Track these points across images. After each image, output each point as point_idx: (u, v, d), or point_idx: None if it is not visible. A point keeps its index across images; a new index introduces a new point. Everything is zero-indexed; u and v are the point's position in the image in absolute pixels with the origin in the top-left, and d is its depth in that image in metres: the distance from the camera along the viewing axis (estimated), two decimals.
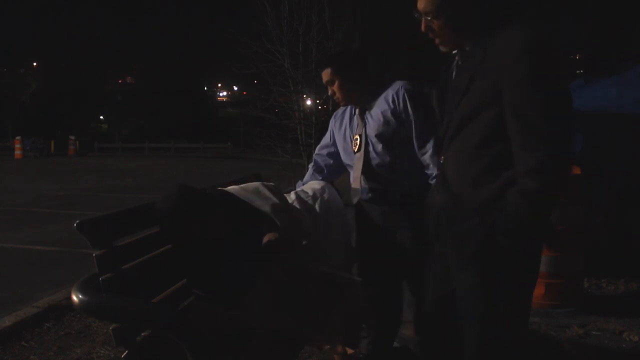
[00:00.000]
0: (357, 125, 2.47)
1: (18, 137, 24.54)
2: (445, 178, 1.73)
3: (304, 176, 2.83)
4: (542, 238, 1.61)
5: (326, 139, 2.76)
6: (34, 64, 50.44)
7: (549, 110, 1.44)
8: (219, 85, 72.72)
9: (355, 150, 2.45)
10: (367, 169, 2.42)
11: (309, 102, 9.75)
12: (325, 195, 2.42)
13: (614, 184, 4.20)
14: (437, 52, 1.76)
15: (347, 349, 2.39)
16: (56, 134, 31.67)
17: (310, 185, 2.52)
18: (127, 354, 1.58)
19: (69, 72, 44.79)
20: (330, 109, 9.28)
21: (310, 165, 2.79)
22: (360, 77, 2.41)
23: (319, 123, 9.09)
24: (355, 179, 2.46)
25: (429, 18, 1.62)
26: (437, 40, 1.67)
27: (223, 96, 74.04)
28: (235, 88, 68.22)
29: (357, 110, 2.48)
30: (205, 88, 61.70)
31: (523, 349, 1.76)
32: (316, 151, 2.79)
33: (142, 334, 1.67)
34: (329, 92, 2.47)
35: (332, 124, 2.69)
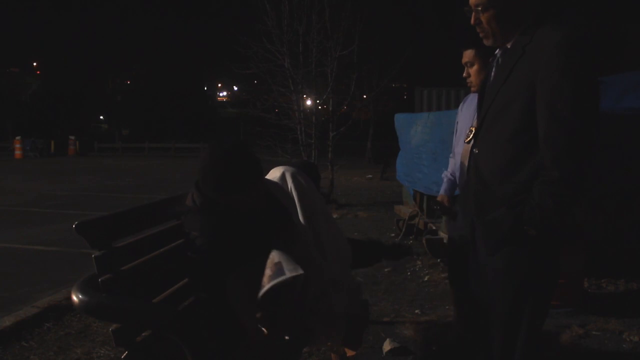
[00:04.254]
0: (476, 117, 2.45)
1: (18, 137, 24.56)
2: (477, 168, 1.79)
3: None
4: (566, 231, 1.66)
5: (455, 133, 2.71)
6: (34, 64, 50.47)
7: (576, 103, 1.49)
8: (219, 85, 72.77)
9: (467, 140, 2.38)
10: None
11: (309, 102, 9.76)
12: (289, 184, 2.22)
13: (614, 184, 4.19)
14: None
15: (348, 350, 2.39)
16: (56, 134, 31.67)
17: (272, 173, 2.27)
18: (127, 354, 1.58)
19: (69, 72, 44.80)
20: (331, 109, 9.32)
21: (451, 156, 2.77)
22: None
23: (319, 123, 9.11)
24: (462, 172, 2.40)
25: (479, 9, 1.68)
26: (483, 34, 1.74)
27: (223, 96, 74.08)
28: (235, 88, 68.24)
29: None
30: (206, 88, 61.71)
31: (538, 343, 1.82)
32: (453, 149, 2.74)
33: (142, 334, 1.67)
34: (464, 74, 2.40)
35: (460, 107, 2.65)
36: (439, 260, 4.72)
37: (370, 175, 14.22)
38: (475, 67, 2.37)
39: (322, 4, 8.56)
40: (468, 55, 2.39)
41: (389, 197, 9.58)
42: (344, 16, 8.57)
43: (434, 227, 5.02)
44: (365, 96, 13.39)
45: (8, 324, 3.28)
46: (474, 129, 2.31)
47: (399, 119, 6.21)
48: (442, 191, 2.81)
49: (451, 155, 2.77)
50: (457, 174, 2.56)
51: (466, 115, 2.56)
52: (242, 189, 1.71)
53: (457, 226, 2.52)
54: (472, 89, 2.46)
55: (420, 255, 5.03)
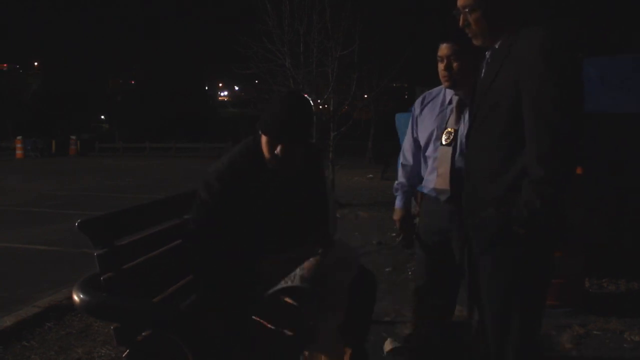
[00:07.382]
0: (450, 117, 2.24)
1: (19, 137, 24.58)
2: (468, 169, 1.80)
3: None
4: (556, 229, 1.65)
5: (409, 138, 2.45)
6: (35, 63, 50.52)
7: (561, 103, 1.51)
8: (220, 85, 72.81)
9: (444, 142, 2.21)
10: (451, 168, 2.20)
11: None
12: None
13: (614, 184, 4.19)
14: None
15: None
16: (57, 134, 31.68)
17: None
18: (127, 353, 1.58)
19: (70, 72, 44.82)
20: (332, 109, 9.31)
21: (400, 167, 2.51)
22: (474, 67, 2.09)
23: (320, 123, 9.11)
24: (442, 175, 2.21)
25: (467, 11, 1.71)
26: (472, 35, 1.75)
27: (224, 96, 74.12)
28: (236, 88, 68.33)
29: (455, 101, 2.24)
30: (206, 88, 61.72)
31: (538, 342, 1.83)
32: (405, 155, 2.48)
33: (143, 334, 1.67)
34: (441, 67, 2.19)
35: (419, 106, 2.41)
36: None
37: (371, 175, 14.22)
38: (456, 63, 2.17)
39: (322, 4, 8.56)
40: (448, 48, 2.19)
41: (389, 197, 9.51)
42: (345, 16, 8.57)
43: None
44: (366, 96, 13.40)
45: (9, 324, 3.28)
46: (452, 130, 2.20)
47: (400, 118, 6.20)
48: (398, 203, 2.47)
49: (403, 161, 2.48)
50: (431, 177, 2.30)
51: (429, 117, 2.35)
52: (304, 135, 1.90)
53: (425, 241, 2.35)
54: (447, 84, 2.24)
55: None
